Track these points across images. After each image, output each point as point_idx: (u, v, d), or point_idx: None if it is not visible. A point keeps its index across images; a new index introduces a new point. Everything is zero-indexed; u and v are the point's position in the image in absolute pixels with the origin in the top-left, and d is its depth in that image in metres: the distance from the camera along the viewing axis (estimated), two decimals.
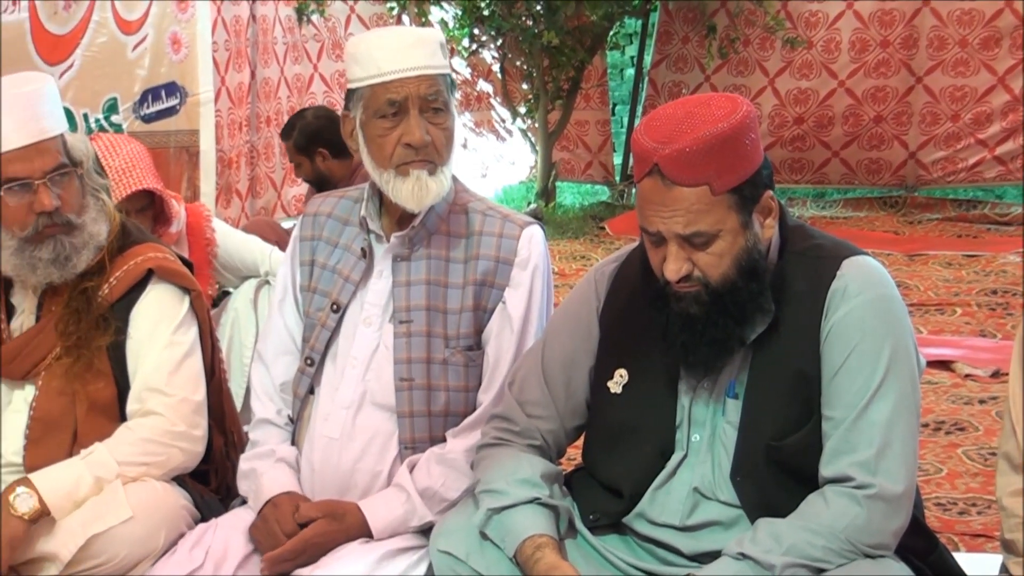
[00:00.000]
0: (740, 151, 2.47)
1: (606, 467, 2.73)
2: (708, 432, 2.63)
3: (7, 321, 3.16)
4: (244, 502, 3.06)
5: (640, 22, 10.31)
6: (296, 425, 3.09)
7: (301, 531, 2.85)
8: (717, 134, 2.44)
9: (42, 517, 2.89)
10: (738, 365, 2.60)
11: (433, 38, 2.96)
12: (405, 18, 9.42)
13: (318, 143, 5.81)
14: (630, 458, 2.67)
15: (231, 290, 4.86)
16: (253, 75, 8.12)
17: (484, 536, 2.64)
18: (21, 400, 3.13)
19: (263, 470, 3.02)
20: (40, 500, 2.89)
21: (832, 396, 2.51)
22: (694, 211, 2.47)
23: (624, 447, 2.69)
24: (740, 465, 2.57)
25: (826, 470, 2.49)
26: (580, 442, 2.91)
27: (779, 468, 2.55)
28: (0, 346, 3.13)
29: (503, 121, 10.81)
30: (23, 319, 3.16)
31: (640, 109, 10.33)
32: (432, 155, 2.89)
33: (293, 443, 3.09)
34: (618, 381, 2.73)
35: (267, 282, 4.66)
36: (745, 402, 2.58)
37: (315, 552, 2.83)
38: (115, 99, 6.31)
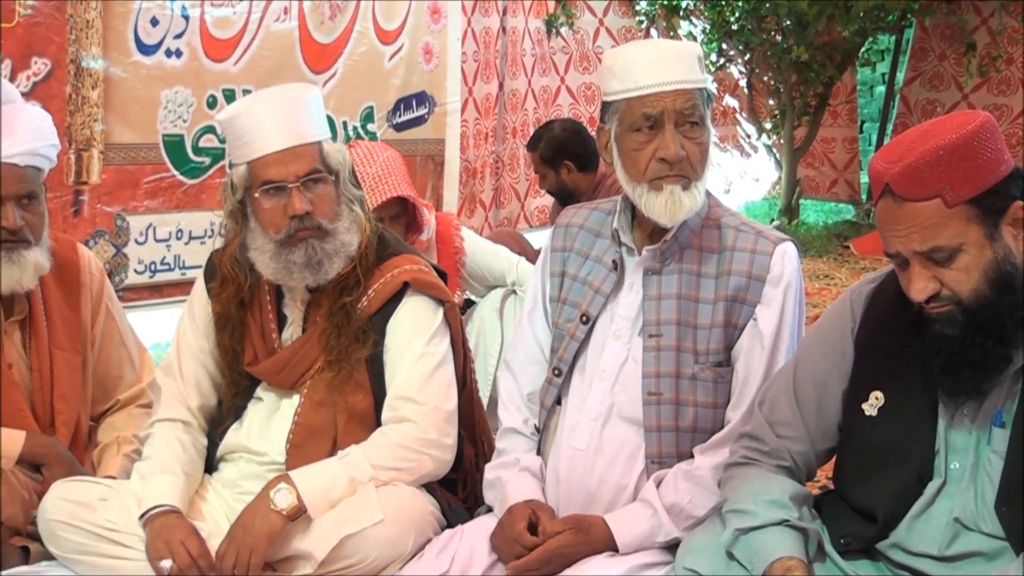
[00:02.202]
0: (976, 160, 2.39)
1: (859, 491, 2.66)
2: (971, 460, 2.53)
3: (279, 332, 3.27)
4: (490, 510, 3.09)
5: (893, 39, 10.08)
6: (542, 435, 3.11)
7: (547, 541, 2.86)
8: (946, 145, 2.37)
9: (299, 515, 2.99)
10: (1006, 392, 2.50)
11: (691, 52, 2.94)
12: (653, 32, 9.41)
13: (564, 155, 5.84)
14: (885, 483, 2.59)
15: (476, 299, 4.92)
16: (501, 86, 8.21)
17: (731, 556, 2.60)
18: (288, 406, 3.25)
19: (508, 479, 3.05)
20: (298, 497, 2.98)
21: None
22: (928, 226, 2.39)
23: (879, 471, 2.61)
24: (1006, 496, 2.47)
25: None
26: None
27: None
28: (272, 356, 3.26)
29: (748, 137, 10.69)
30: (292, 330, 3.28)
31: (890, 127, 10.09)
32: (686, 170, 2.87)
33: (539, 453, 3.11)
34: (873, 404, 2.65)
35: (513, 292, 4.70)
36: (1014, 431, 2.47)
37: (560, 563, 2.84)
38: (371, 108, 6.47)
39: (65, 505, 3.11)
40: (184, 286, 5.49)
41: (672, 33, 9.16)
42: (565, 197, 5.82)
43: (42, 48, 4.88)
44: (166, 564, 2.96)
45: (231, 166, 3.21)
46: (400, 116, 6.67)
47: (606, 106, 2.98)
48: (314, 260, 3.12)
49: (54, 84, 4.97)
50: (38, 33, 4.86)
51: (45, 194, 3.50)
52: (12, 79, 4.65)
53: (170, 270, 5.59)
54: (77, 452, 3.52)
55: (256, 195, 3.12)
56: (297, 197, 3.09)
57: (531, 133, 8.53)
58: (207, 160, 5.68)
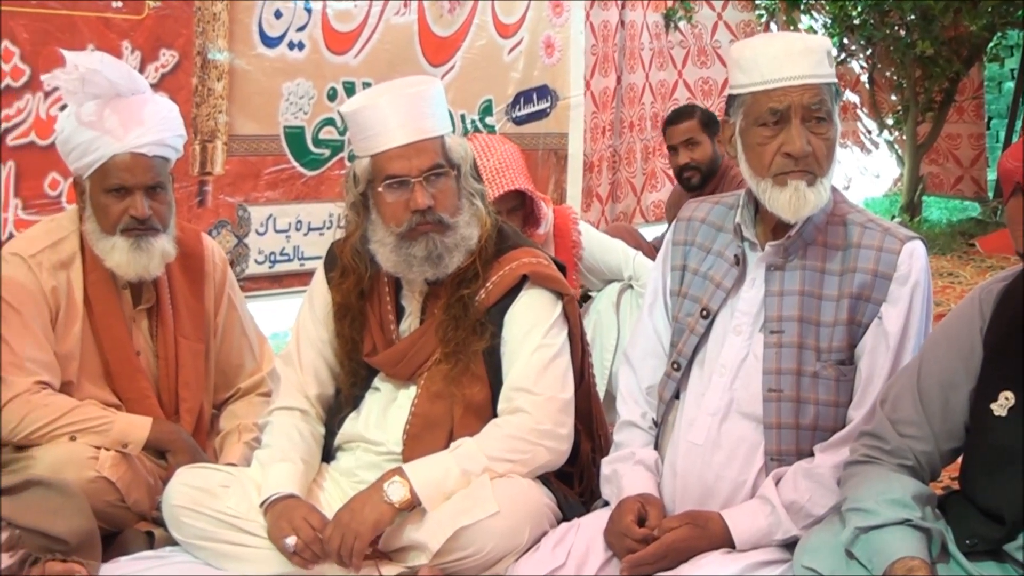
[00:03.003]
0: None
1: (987, 492, 2.60)
2: None
3: (397, 323, 3.29)
4: (607, 504, 3.07)
5: (1023, 34, 9.86)
6: (660, 429, 3.09)
7: (663, 536, 2.84)
8: None
9: (412, 507, 3.00)
10: None
11: (820, 46, 2.90)
12: (773, 26, 9.31)
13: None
14: (1014, 484, 2.53)
15: (592, 293, 4.91)
16: (619, 80, 8.18)
17: (850, 555, 2.56)
18: (405, 397, 3.26)
19: (623, 472, 3.03)
20: (411, 491, 3.00)
21: None
22: None
23: (1007, 472, 2.55)
24: None
25: None
26: None
27: None
28: (390, 347, 3.28)
29: (868, 132, 10.53)
30: (410, 321, 3.30)
31: (1019, 124, 9.87)
32: (812, 165, 2.83)
33: (656, 447, 3.09)
34: (1003, 404, 2.59)
35: (630, 286, 4.67)
36: None
37: (676, 558, 2.82)
38: (490, 101, 6.47)
39: (188, 491, 3.17)
40: (303, 276, 5.55)
41: (792, 27, 9.06)
42: (710, 172, 5.79)
43: (170, 40, 4.96)
44: (291, 541, 3.00)
45: (351, 158, 3.24)
46: (520, 110, 6.67)
47: (731, 99, 2.95)
48: (434, 254, 3.14)
49: (181, 76, 5.04)
50: (167, 26, 4.95)
51: (172, 184, 3.56)
52: (141, 71, 4.73)
53: (289, 260, 5.65)
54: (200, 439, 3.59)
55: (379, 189, 3.14)
56: (419, 192, 3.10)
57: (648, 128, 8.52)
58: (327, 152, 5.73)
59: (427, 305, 3.27)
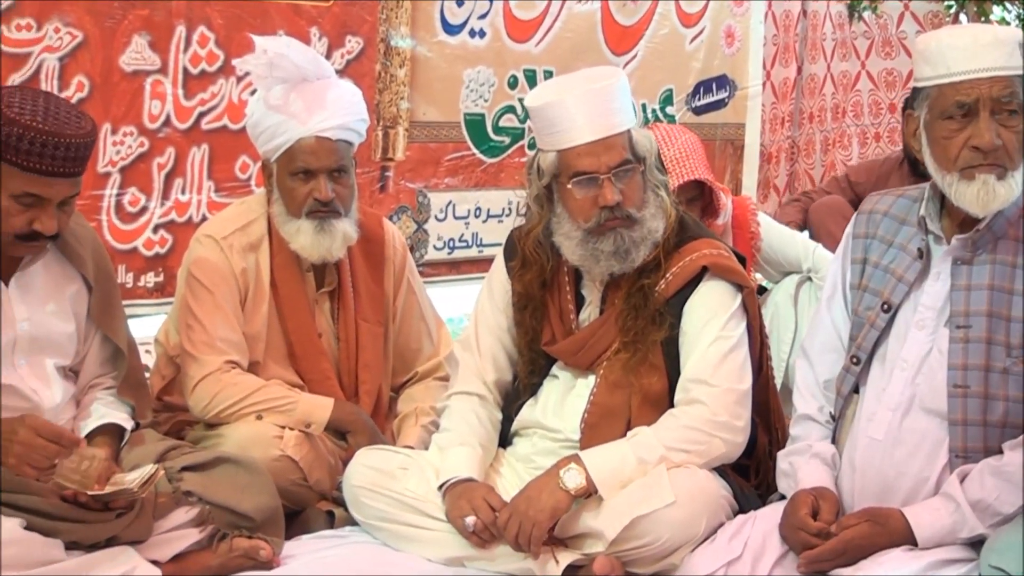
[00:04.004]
0: None
1: None
2: None
3: (576, 312, 3.30)
4: (783, 498, 3.04)
5: None
6: (838, 423, 3.04)
7: (842, 532, 2.80)
8: None
9: (587, 495, 3.02)
10: None
11: (1011, 38, 2.82)
12: (963, 17, 9.06)
13: None
14: None
15: (768, 285, 4.85)
16: (799, 70, 8.06)
17: None
18: (583, 386, 3.28)
19: (799, 466, 3.00)
20: (587, 478, 3.02)
21: None
22: None
23: None
24: None
25: None
26: None
27: None
28: (569, 336, 3.30)
29: None
30: (590, 311, 3.31)
31: None
32: (1002, 159, 2.76)
33: (833, 441, 3.04)
34: None
35: (809, 278, 4.61)
36: None
37: (855, 554, 2.78)
38: (671, 90, 6.43)
39: (369, 472, 3.24)
40: (481, 263, 5.58)
41: (983, 19, 8.79)
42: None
43: (355, 27, 5.03)
44: (470, 520, 3.05)
45: (531, 146, 3.26)
46: (699, 99, 6.60)
47: (916, 92, 2.89)
48: (622, 249, 3.14)
49: (365, 62, 5.11)
50: (352, 12, 5.01)
51: (355, 168, 3.62)
52: (327, 57, 4.81)
53: (467, 247, 5.69)
54: (378, 421, 3.66)
55: (567, 185, 3.15)
56: (608, 188, 3.11)
57: (828, 119, 8.37)
58: (506, 139, 5.75)
59: (607, 295, 3.28)
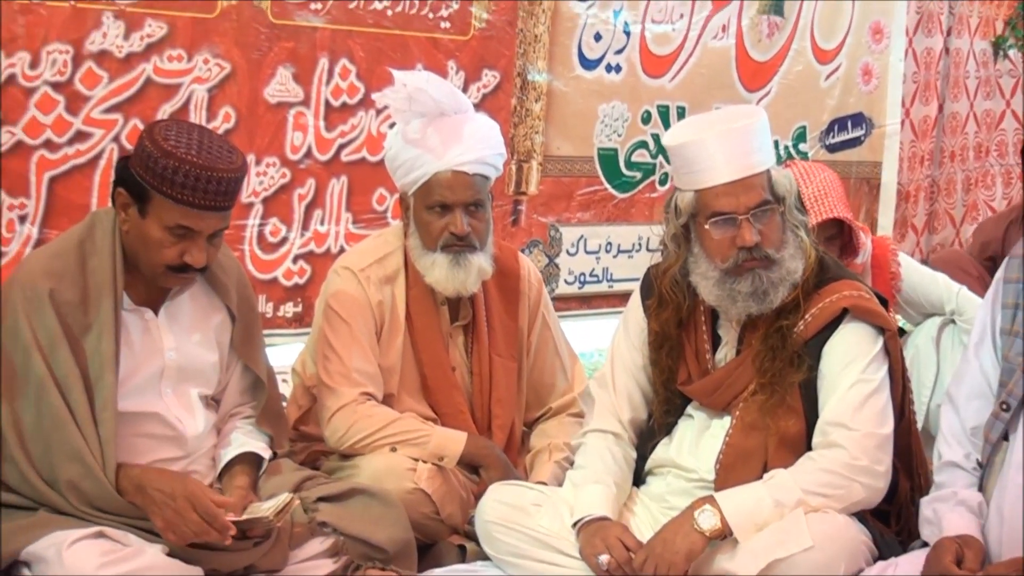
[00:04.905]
0: None
1: None
2: None
3: (712, 352, 3.27)
4: (925, 546, 2.96)
5: None
6: (985, 471, 2.96)
7: None
8: None
9: (722, 537, 2.99)
10: None
11: None
12: None
13: None
14: None
15: (908, 327, 4.76)
16: (940, 108, 7.93)
17: None
18: (719, 427, 3.25)
19: (943, 513, 2.92)
20: (722, 520, 2.98)
21: None
22: None
23: None
24: None
25: None
26: None
27: None
28: (705, 376, 3.27)
29: None
30: (726, 351, 3.28)
31: None
32: None
33: (980, 489, 2.96)
34: None
35: (952, 321, 4.51)
36: None
37: None
38: (804, 127, 6.37)
39: (501, 508, 3.23)
40: (611, 298, 5.59)
41: None
42: None
43: (493, 61, 5.06)
44: (604, 559, 3.03)
45: (662, 182, 3.24)
46: (834, 137, 6.53)
47: None
48: (760, 290, 3.11)
49: (501, 96, 5.13)
50: (490, 46, 5.04)
51: (491, 202, 3.63)
52: (464, 90, 4.84)
53: (598, 282, 5.67)
54: (511, 456, 3.65)
55: (704, 225, 3.13)
56: (747, 229, 3.09)
57: (971, 158, 8.22)
58: (638, 175, 5.73)
59: (744, 335, 3.25)
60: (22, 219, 3.98)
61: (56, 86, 3.98)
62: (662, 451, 3.32)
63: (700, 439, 3.27)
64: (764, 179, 3.14)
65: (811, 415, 3.16)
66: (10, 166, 3.93)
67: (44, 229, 4.00)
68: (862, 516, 3.12)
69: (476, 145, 3.55)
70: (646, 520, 3.25)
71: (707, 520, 2.99)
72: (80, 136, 4.06)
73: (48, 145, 4.00)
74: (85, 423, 2.91)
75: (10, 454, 2.93)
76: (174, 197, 2.89)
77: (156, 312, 3.10)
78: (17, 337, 2.93)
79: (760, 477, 3.10)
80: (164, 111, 4.18)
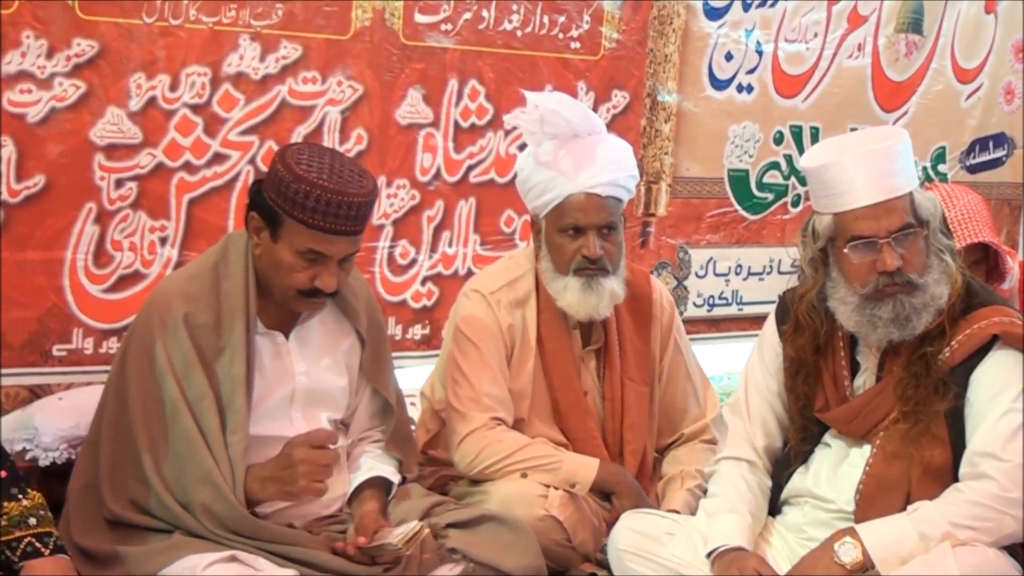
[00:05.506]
0: None
1: None
2: None
3: (851, 379, 3.20)
4: None
5: None
6: None
7: None
8: None
9: (864, 570, 2.92)
10: None
11: None
12: None
13: None
14: None
15: None
16: None
17: None
18: (858, 456, 3.17)
19: None
20: (864, 552, 2.92)
21: None
22: None
23: None
24: None
25: None
26: None
27: None
28: (844, 403, 3.20)
29: None
30: (865, 377, 3.20)
31: None
32: None
33: None
34: None
35: None
36: None
37: None
38: (943, 148, 6.24)
39: (634, 536, 3.19)
40: (741, 322, 5.52)
41: None
42: None
43: (623, 81, 5.02)
44: None
45: (794, 204, 3.17)
46: (974, 157, 6.38)
47: None
48: (902, 316, 3.03)
49: (631, 117, 5.09)
50: (620, 67, 5.00)
51: (624, 224, 3.59)
52: (594, 111, 4.79)
53: (727, 305, 5.60)
54: (642, 483, 3.60)
55: (844, 249, 3.07)
56: (888, 253, 3.01)
57: None
58: (770, 196, 5.65)
59: (885, 362, 3.16)
60: (163, 241, 4.02)
61: (195, 108, 4.03)
62: (798, 480, 3.25)
63: (838, 468, 3.19)
64: (906, 202, 3.06)
65: (958, 445, 3.06)
66: (151, 188, 3.98)
67: (184, 251, 4.04)
68: (1012, 550, 3.03)
69: (609, 167, 3.52)
70: (783, 551, 3.19)
71: (848, 553, 2.93)
72: (218, 158, 4.09)
73: (187, 167, 4.04)
74: (217, 446, 2.94)
75: (147, 477, 2.97)
76: (305, 222, 2.90)
77: (287, 336, 3.11)
78: (153, 360, 2.96)
79: (903, 509, 3.03)
80: (298, 133, 4.20)
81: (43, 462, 3.62)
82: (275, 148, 4.00)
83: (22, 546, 2.64)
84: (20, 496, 2.67)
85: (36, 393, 3.95)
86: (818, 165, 3.12)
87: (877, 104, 5.89)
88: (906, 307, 3.04)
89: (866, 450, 3.15)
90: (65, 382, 3.94)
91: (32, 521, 2.66)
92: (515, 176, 3.71)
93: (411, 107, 4.48)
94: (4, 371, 3.77)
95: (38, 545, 2.65)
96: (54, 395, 3.90)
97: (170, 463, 2.95)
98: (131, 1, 3.85)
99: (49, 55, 3.74)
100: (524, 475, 3.41)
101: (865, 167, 3.04)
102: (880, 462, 3.10)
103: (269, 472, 2.98)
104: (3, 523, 2.64)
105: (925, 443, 3.06)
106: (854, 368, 3.23)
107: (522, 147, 3.66)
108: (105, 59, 3.84)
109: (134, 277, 3.99)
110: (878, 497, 3.08)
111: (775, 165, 5.65)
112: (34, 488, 2.74)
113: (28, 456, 3.63)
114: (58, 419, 3.70)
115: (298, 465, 2.93)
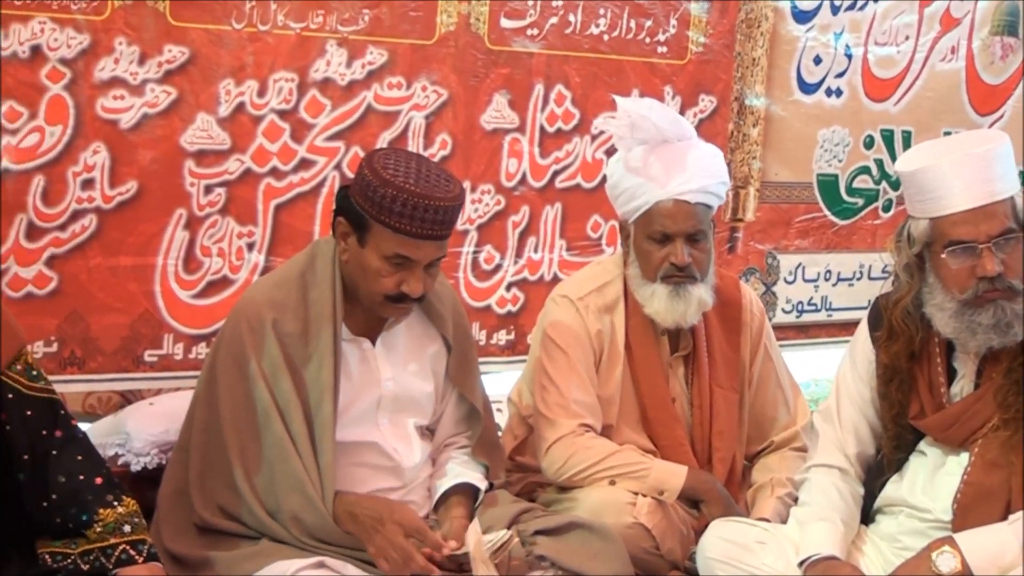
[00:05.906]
0: None
1: None
2: None
3: (948, 386, 3.14)
4: None
5: None
6: None
7: None
8: None
9: None
10: None
11: None
12: None
13: None
14: None
15: None
16: None
17: None
18: (955, 464, 3.11)
19: None
20: (963, 562, 2.88)
21: None
22: None
23: None
24: None
25: None
26: None
27: None
28: (940, 411, 3.14)
29: None
30: (963, 384, 3.14)
31: None
32: None
33: None
34: None
35: None
36: None
37: None
38: None
39: (724, 545, 3.16)
40: (830, 328, 5.47)
41: None
42: None
43: (710, 85, 4.99)
44: None
45: (885, 209, 3.11)
46: None
47: None
48: (1003, 322, 2.98)
49: (718, 121, 5.06)
50: (707, 71, 4.97)
51: (713, 231, 3.55)
52: (681, 115, 4.77)
53: (816, 311, 5.55)
54: (731, 491, 3.56)
55: (941, 254, 3.01)
56: (988, 259, 2.95)
57: None
58: (860, 201, 5.59)
59: (983, 368, 3.10)
60: (250, 247, 4.06)
61: (282, 114, 4.06)
62: (892, 489, 3.20)
63: (934, 477, 3.14)
64: (1008, 207, 3.00)
65: None
66: (239, 194, 4.02)
67: (270, 256, 4.08)
68: None
69: (699, 174, 3.48)
70: (876, 561, 3.14)
71: (946, 562, 2.89)
72: (304, 164, 4.12)
73: (274, 173, 4.07)
74: (306, 453, 2.95)
75: (238, 487, 2.98)
76: (392, 226, 2.90)
77: (373, 342, 3.12)
78: (243, 368, 2.97)
79: (1003, 518, 2.97)
80: (384, 139, 4.22)
81: (135, 467, 3.68)
82: (361, 154, 4.03)
83: (116, 553, 2.65)
84: (115, 503, 2.68)
85: (128, 398, 4.01)
86: (915, 169, 3.07)
87: (972, 107, 5.81)
88: (1007, 313, 2.98)
89: (964, 458, 3.09)
90: (156, 387, 3.98)
91: (127, 528, 2.67)
92: (602, 181, 3.69)
93: (496, 112, 4.48)
94: (97, 376, 3.82)
95: (132, 553, 2.66)
96: (145, 400, 3.95)
97: (262, 472, 2.96)
98: (221, 7, 3.89)
99: (141, 61, 3.79)
100: (612, 482, 3.39)
101: (964, 171, 2.99)
102: (979, 470, 3.05)
103: (359, 512, 2.97)
104: (98, 529, 2.65)
105: None
106: (950, 375, 3.17)
107: (609, 152, 3.63)
108: (195, 65, 3.89)
109: (222, 283, 4.03)
110: (977, 506, 3.02)
111: (865, 169, 5.59)
112: (128, 494, 2.76)
113: (120, 461, 3.69)
114: (149, 424, 3.75)
115: (377, 536, 2.93)
